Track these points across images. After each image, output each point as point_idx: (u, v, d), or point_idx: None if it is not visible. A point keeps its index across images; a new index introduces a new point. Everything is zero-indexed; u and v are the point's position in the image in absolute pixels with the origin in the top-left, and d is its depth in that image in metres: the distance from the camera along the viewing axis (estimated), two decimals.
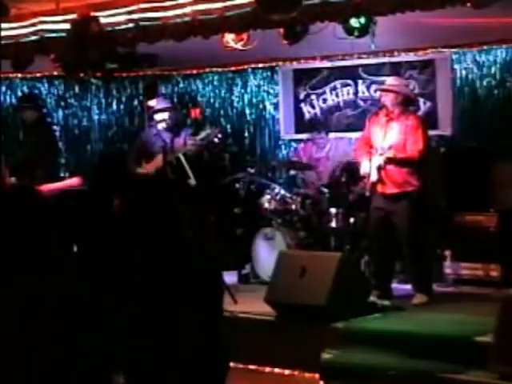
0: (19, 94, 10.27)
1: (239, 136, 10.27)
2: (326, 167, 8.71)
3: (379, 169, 6.89)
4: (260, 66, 10.11)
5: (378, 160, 6.89)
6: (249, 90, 10.32)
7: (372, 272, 7.32)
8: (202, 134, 8.17)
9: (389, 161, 6.84)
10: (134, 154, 8.52)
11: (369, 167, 6.91)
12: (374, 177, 6.93)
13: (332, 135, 9.12)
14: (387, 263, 7.11)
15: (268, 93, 10.21)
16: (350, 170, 7.89)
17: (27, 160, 8.16)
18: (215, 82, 10.54)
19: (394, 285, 7.37)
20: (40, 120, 8.63)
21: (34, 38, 7.46)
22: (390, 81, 7.22)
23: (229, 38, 7.39)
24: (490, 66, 8.72)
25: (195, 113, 9.69)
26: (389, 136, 6.91)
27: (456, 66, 8.93)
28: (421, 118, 7.36)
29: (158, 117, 8.41)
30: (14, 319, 2.28)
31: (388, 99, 6.97)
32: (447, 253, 7.82)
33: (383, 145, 6.90)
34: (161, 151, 7.98)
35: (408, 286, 7.24)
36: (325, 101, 9.83)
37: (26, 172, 7.86)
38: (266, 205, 8.30)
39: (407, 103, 7.09)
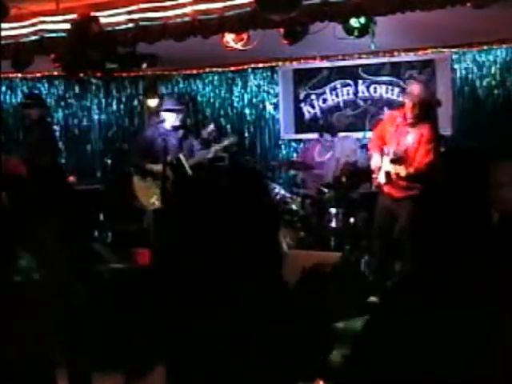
0: (19, 94, 10.28)
1: (239, 136, 10.27)
2: (331, 167, 8.69)
3: (388, 174, 6.86)
4: (260, 66, 10.12)
5: (389, 166, 6.86)
6: (249, 90, 10.32)
7: (372, 271, 7.31)
8: (225, 142, 8.10)
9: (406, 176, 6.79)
10: (140, 151, 8.33)
11: (380, 162, 6.91)
12: (382, 179, 6.92)
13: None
14: (389, 262, 7.11)
15: (268, 93, 10.22)
16: (351, 170, 7.89)
17: (27, 160, 8.14)
18: (215, 82, 10.55)
19: None
20: (41, 119, 8.64)
21: (33, 37, 7.44)
22: (416, 89, 6.91)
23: (229, 38, 7.39)
24: (490, 66, 8.73)
25: None
26: (402, 142, 6.87)
27: (456, 66, 8.94)
28: (435, 128, 7.08)
29: (166, 116, 8.23)
30: None
31: (410, 105, 6.87)
32: None
33: (396, 150, 6.85)
34: (163, 150, 7.93)
35: None
36: (325, 101, 9.83)
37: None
38: None
39: (426, 111, 6.93)
